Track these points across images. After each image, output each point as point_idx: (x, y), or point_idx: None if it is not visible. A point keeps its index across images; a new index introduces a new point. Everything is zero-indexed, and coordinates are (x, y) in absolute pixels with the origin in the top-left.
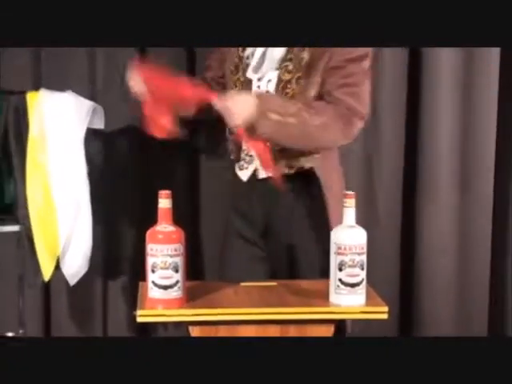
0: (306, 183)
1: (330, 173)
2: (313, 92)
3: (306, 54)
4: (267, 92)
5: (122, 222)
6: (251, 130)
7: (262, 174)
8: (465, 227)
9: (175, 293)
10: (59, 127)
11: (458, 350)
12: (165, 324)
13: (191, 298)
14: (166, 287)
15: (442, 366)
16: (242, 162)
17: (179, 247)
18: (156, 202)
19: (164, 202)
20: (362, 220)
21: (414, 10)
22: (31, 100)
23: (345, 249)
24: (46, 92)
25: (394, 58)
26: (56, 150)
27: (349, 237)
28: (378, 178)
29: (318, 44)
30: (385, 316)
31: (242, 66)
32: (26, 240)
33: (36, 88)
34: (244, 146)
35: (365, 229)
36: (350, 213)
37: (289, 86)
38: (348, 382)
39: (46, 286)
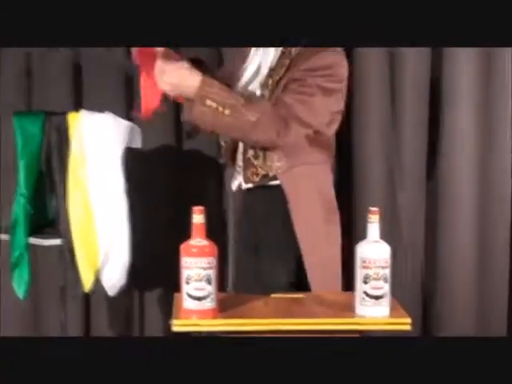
0: (274, 194)
1: (299, 183)
2: None
3: (283, 70)
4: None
5: (158, 236)
6: (188, 112)
7: (246, 185)
8: (484, 238)
9: (208, 304)
10: (98, 146)
11: (477, 349)
12: (198, 333)
13: (223, 308)
14: (199, 298)
15: (460, 365)
16: (234, 172)
17: (212, 260)
18: (189, 217)
19: (198, 218)
20: (385, 233)
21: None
22: (72, 120)
23: (369, 262)
24: (86, 113)
25: (415, 74)
26: (95, 168)
27: (373, 251)
28: (400, 190)
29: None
30: (408, 327)
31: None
32: (67, 253)
33: (77, 109)
34: (237, 156)
35: (388, 242)
36: (374, 228)
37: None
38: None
39: (87, 297)
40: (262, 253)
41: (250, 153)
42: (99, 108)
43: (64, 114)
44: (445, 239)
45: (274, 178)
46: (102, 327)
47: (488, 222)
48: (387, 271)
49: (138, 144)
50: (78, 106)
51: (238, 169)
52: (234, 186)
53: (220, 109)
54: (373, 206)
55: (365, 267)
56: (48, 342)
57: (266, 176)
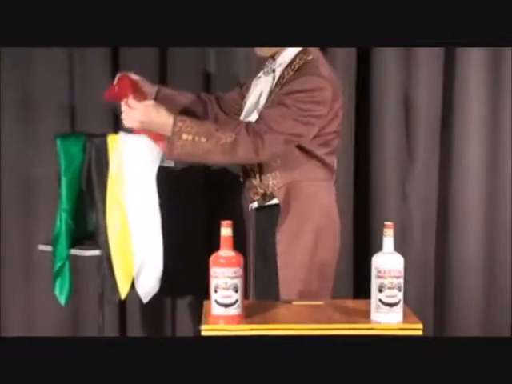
0: (276, 212)
1: (291, 197)
2: None
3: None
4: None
5: (188, 247)
6: (169, 151)
7: (251, 205)
8: (490, 249)
9: (235, 310)
10: (135, 165)
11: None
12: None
13: (249, 314)
14: (226, 305)
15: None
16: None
17: (238, 270)
18: (218, 230)
19: (226, 231)
20: (399, 244)
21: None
22: (111, 141)
23: (384, 273)
24: (124, 135)
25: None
26: (132, 185)
27: (388, 262)
28: (413, 205)
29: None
30: (420, 332)
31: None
32: (105, 263)
33: (115, 131)
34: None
35: (401, 253)
36: (388, 241)
37: None
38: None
39: (122, 303)
40: (270, 264)
41: (250, 174)
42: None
43: (104, 135)
44: (455, 249)
45: (273, 196)
46: (136, 331)
47: (495, 233)
48: (401, 281)
49: (170, 164)
50: (116, 128)
51: (246, 190)
52: (249, 205)
53: (196, 139)
54: (387, 221)
55: (380, 277)
56: (86, 342)
57: (264, 194)
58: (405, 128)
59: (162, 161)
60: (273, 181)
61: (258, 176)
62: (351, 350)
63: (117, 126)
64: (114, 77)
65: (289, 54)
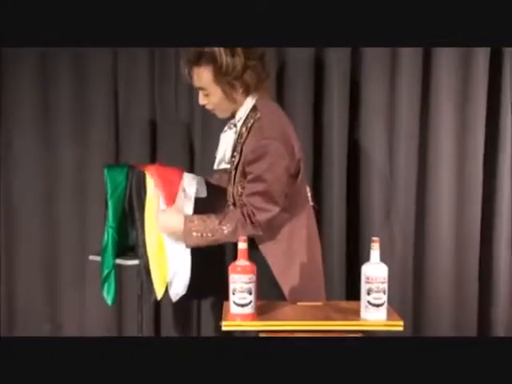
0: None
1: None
2: (242, 180)
3: (237, 157)
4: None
5: (212, 258)
6: (185, 242)
7: None
8: (459, 259)
9: (249, 309)
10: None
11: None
12: (242, 332)
13: (261, 313)
14: (242, 305)
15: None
16: None
17: (252, 277)
18: (236, 245)
19: (242, 245)
20: (383, 255)
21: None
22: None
23: (372, 279)
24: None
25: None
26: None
27: (374, 270)
28: (394, 223)
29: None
30: (401, 328)
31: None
32: (143, 271)
33: (152, 161)
34: None
35: (385, 263)
36: (375, 253)
37: (232, 174)
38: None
39: (157, 304)
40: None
41: (230, 206)
42: (170, 161)
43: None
44: (430, 259)
45: None
46: (170, 326)
47: (463, 246)
48: (385, 285)
49: (203, 194)
50: (153, 159)
51: None
52: None
53: (204, 235)
54: (374, 236)
55: (368, 282)
56: (126, 341)
57: None
58: (388, 154)
59: (197, 191)
60: None
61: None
62: (345, 342)
63: (153, 157)
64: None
65: (244, 110)
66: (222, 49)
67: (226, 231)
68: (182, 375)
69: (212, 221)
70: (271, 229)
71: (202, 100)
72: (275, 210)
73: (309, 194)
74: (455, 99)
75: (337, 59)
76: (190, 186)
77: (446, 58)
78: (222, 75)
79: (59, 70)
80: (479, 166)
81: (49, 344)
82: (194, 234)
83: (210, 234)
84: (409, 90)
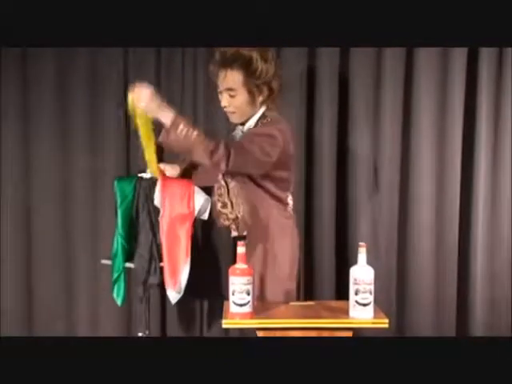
0: None
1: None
2: None
3: None
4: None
5: (213, 262)
6: (165, 136)
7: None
8: (439, 262)
9: (247, 309)
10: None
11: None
12: (241, 329)
13: (257, 312)
14: (241, 305)
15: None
16: None
17: (250, 279)
18: (235, 250)
19: (240, 249)
20: (369, 259)
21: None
22: (155, 184)
23: (359, 280)
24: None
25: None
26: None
27: (362, 273)
28: (380, 228)
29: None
30: (386, 325)
31: None
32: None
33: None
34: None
35: (371, 266)
36: (362, 256)
37: None
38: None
39: (163, 305)
40: None
41: (219, 205)
42: (175, 162)
43: (151, 178)
44: (412, 263)
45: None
46: (175, 325)
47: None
48: (372, 287)
49: (205, 217)
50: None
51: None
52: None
53: (189, 132)
54: (361, 241)
55: (356, 284)
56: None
57: (236, 218)
58: (372, 165)
59: (199, 214)
60: (242, 206)
61: (228, 205)
62: (334, 338)
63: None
64: None
65: (254, 119)
66: (257, 54)
67: (206, 142)
68: (185, 374)
69: (199, 130)
70: (233, 176)
71: (225, 101)
72: (246, 162)
73: (290, 203)
74: (435, 96)
75: (328, 59)
76: (197, 200)
77: (424, 59)
78: (254, 78)
79: (74, 85)
80: (457, 175)
81: (60, 343)
82: (181, 126)
83: (195, 133)
84: (394, 90)
